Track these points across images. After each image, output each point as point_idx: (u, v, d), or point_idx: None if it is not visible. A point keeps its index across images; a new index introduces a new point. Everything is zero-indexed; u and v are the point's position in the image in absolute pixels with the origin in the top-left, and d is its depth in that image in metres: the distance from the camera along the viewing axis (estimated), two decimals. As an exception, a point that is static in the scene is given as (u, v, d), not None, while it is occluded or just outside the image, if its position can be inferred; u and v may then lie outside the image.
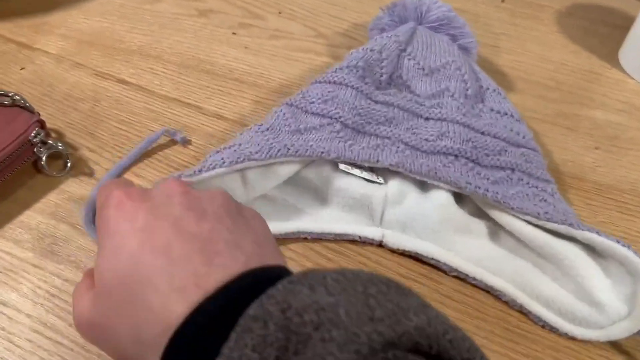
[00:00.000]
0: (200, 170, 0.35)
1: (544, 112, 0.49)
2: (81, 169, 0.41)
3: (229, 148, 0.36)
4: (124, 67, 0.50)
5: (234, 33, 0.55)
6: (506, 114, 0.43)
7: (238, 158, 0.35)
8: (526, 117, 0.48)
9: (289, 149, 0.36)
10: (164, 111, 0.46)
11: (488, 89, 0.45)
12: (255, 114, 0.47)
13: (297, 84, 0.50)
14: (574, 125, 0.48)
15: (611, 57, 0.56)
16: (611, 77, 0.54)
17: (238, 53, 0.53)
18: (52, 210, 0.39)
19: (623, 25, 0.59)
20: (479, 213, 0.39)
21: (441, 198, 0.38)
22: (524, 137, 0.42)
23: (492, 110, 0.43)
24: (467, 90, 0.43)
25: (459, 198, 0.39)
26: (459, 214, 0.38)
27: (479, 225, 0.39)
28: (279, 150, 0.36)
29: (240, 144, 0.37)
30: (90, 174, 0.41)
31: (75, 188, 0.40)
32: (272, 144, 0.37)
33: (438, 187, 0.38)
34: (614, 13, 0.62)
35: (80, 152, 0.43)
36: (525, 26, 0.59)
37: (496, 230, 0.38)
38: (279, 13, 0.58)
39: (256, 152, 0.35)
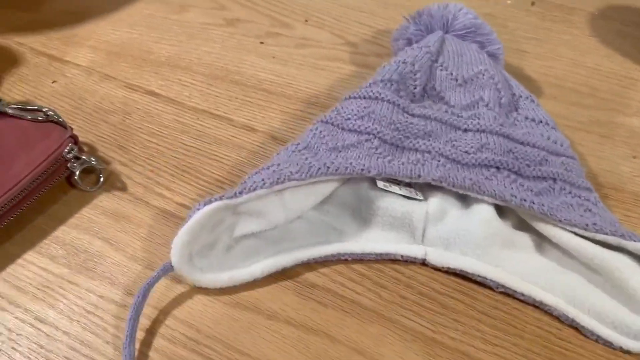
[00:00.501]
0: (241, 192, 0.34)
1: (578, 120, 0.48)
2: (113, 183, 0.42)
3: (268, 169, 0.36)
4: (153, 79, 0.50)
5: (261, 42, 0.55)
6: (541, 121, 0.43)
7: (278, 178, 0.35)
8: (560, 125, 0.47)
9: (328, 167, 0.36)
10: (193, 123, 0.46)
11: (521, 96, 0.44)
12: (284, 124, 0.46)
13: (324, 94, 0.49)
14: (610, 133, 0.47)
15: (647, 61, 0.55)
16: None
17: (266, 63, 0.52)
18: (86, 226, 0.39)
19: (658, 28, 0.58)
20: (522, 226, 0.38)
21: (483, 212, 0.37)
22: (561, 145, 0.41)
23: (526, 118, 0.43)
24: (501, 99, 0.42)
25: (501, 211, 0.38)
26: (503, 228, 0.38)
27: (524, 238, 0.38)
28: (319, 169, 0.36)
29: (279, 164, 0.36)
30: (123, 188, 0.41)
31: (109, 203, 0.40)
32: (311, 163, 0.36)
33: (479, 201, 0.37)
34: (649, 15, 0.61)
35: (112, 166, 0.43)
36: (556, 30, 0.58)
37: (541, 242, 0.37)
38: (306, 21, 0.58)
39: (296, 172, 0.35)
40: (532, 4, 0.61)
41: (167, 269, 0.34)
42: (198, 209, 0.33)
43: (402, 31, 0.48)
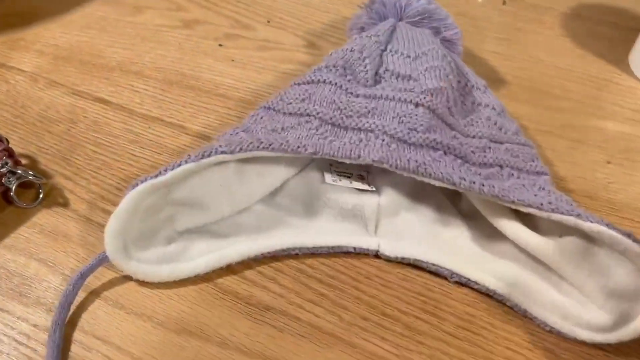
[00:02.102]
0: (165, 170, 0.32)
1: (550, 124, 0.46)
2: (55, 198, 0.39)
3: (202, 148, 0.34)
4: (103, 85, 0.47)
5: (220, 45, 0.52)
6: (487, 106, 0.41)
7: (204, 152, 0.32)
8: (532, 130, 0.45)
9: (262, 141, 0.33)
10: (144, 132, 0.43)
11: (467, 85, 0.42)
12: (242, 132, 0.44)
13: (287, 99, 0.47)
14: (584, 138, 0.45)
15: (621, 62, 0.53)
16: (621, 84, 0.50)
17: (224, 66, 0.50)
18: (22, 246, 0.36)
19: (633, 27, 0.56)
20: (476, 216, 0.37)
21: (436, 201, 0.36)
22: (505, 132, 0.39)
23: (473, 103, 0.41)
24: (449, 81, 0.40)
25: (453, 202, 0.38)
26: (456, 217, 0.37)
27: (475, 232, 0.37)
28: (250, 143, 0.33)
29: (213, 144, 0.34)
30: (65, 204, 0.38)
31: (48, 220, 0.37)
32: (243, 138, 0.34)
33: (432, 190, 0.36)
34: (623, 14, 0.59)
35: (54, 180, 0.40)
36: (528, 30, 0.56)
37: (496, 232, 0.36)
38: (268, 22, 0.55)
39: (225, 146, 0.33)
40: (504, 3, 0.59)
41: (103, 259, 0.33)
42: (126, 194, 0.32)
43: (355, 20, 0.46)
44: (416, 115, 0.36)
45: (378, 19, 0.45)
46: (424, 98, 0.37)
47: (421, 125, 0.36)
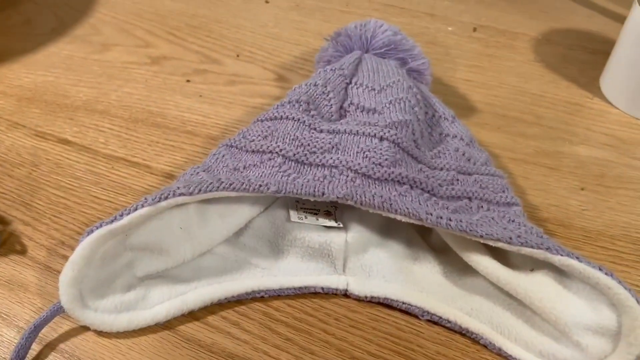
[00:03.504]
0: (121, 215, 0.31)
1: (523, 151, 0.45)
2: (12, 246, 0.37)
3: (160, 191, 0.33)
4: (67, 125, 0.46)
5: (187, 80, 0.51)
6: (456, 136, 0.41)
7: (162, 195, 0.31)
8: (504, 158, 0.45)
9: (222, 182, 0.32)
10: (108, 173, 0.42)
11: (434, 115, 0.42)
12: (209, 170, 0.43)
13: (255, 134, 0.46)
14: (557, 164, 0.44)
15: (592, 85, 0.53)
16: (593, 108, 0.50)
17: (192, 102, 0.49)
18: (-25, 298, 0.34)
19: (603, 50, 0.56)
20: (448, 250, 0.36)
21: (404, 236, 0.36)
22: (474, 164, 0.39)
23: (440, 134, 0.41)
24: (416, 114, 0.39)
25: (422, 237, 0.37)
26: (426, 252, 0.36)
27: (447, 267, 0.36)
28: (210, 184, 0.32)
29: (172, 185, 0.33)
30: (22, 251, 0.37)
31: (4, 269, 0.36)
32: (203, 179, 0.33)
33: (399, 225, 0.36)
34: (593, 37, 0.59)
35: (12, 226, 0.38)
36: (499, 56, 0.56)
37: (467, 267, 0.35)
38: (237, 56, 0.54)
39: (184, 187, 0.31)
40: (474, 30, 0.59)
41: (57, 310, 0.31)
42: (81, 241, 0.30)
43: (322, 53, 0.45)
44: (380, 149, 0.35)
45: (344, 51, 0.45)
46: (388, 132, 0.36)
47: (386, 159, 0.35)
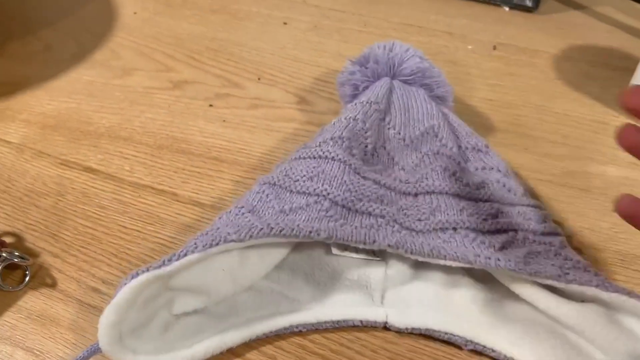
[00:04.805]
0: (170, 260, 0.30)
1: (551, 172, 0.45)
2: (42, 279, 0.37)
3: (205, 234, 0.32)
4: (91, 153, 0.46)
5: (210, 105, 0.51)
6: (492, 168, 0.40)
7: (213, 241, 0.31)
8: (532, 179, 0.44)
9: (272, 228, 0.32)
10: (134, 201, 0.42)
11: (467, 148, 0.42)
12: (235, 196, 0.42)
13: (279, 158, 0.45)
14: (586, 185, 0.44)
15: (616, 103, 0.52)
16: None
17: (215, 127, 0.49)
18: (8, 334, 0.34)
19: (625, 67, 0.56)
20: (488, 277, 0.35)
21: (445, 266, 0.34)
22: (515, 194, 0.39)
23: (476, 169, 0.41)
24: (449, 155, 0.40)
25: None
26: (466, 283, 0.35)
27: (488, 294, 0.35)
28: (261, 230, 0.31)
29: (218, 228, 0.33)
30: (53, 284, 0.37)
31: (35, 303, 0.36)
32: (253, 223, 0.32)
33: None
34: (614, 54, 0.59)
35: (41, 258, 0.38)
36: (521, 74, 0.56)
37: (512, 297, 0.34)
38: (258, 79, 0.54)
39: (234, 233, 0.31)
40: (494, 48, 0.59)
41: (95, 351, 0.31)
42: (125, 284, 0.29)
43: (348, 76, 0.45)
44: (416, 206, 0.37)
45: (372, 77, 0.45)
46: (419, 185, 0.38)
47: (423, 213, 0.36)
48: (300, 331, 0.34)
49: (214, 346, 0.32)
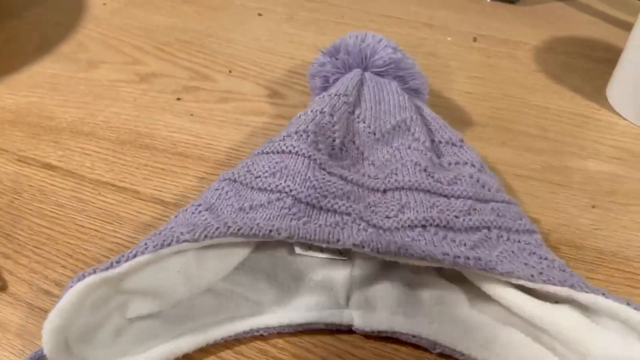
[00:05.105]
0: (118, 262, 0.28)
1: (530, 167, 0.43)
2: (-9, 281, 0.35)
3: (159, 233, 0.31)
4: (51, 149, 0.44)
5: (178, 98, 0.49)
6: (466, 163, 0.39)
7: (164, 241, 0.29)
8: (510, 174, 0.43)
9: (229, 227, 0.30)
10: (93, 200, 0.40)
11: (440, 142, 0.40)
12: (199, 193, 0.40)
13: (247, 153, 0.44)
14: (565, 181, 0.42)
15: (598, 95, 0.51)
16: (601, 119, 0.48)
17: (182, 122, 0.47)
18: (-49, 340, 0.32)
19: (607, 58, 0.54)
20: (459, 276, 0.34)
21: (414, 265, 0.33)
22: (489, 190, 0.37)
23: (450, 164, 0.39)
24: (421, 150, 0.38)
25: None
26: (435, 282, 0.34)
27: (459, 294, 0.34)
28: (217, 229, 0.30)
29: (172, 227, 0.31)
30: (2, 287, 0.35)
31: (-17, 307, 0.34)
32: (209, 222, 0.31)
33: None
34: (596, 45, 0.57)
35: (-8, 260, 0.36)
36: (501, 67, 0.54)
37: (484, 297, 0.32)
38: (230, 72, 0.52)
39: (188, 232, 0.29)
40: (475, 40, 0.58)
41: (38, 358, 0.28)
42: (71, 286, 0.27)
43: (318, 67, 0.43)
44: (385, 202, 0.35)
45: (343, 68, 0.43)
46: (389, 181, 0.36)
47: (392, 210, 0.34)
48: (262, 335, 0.32)
49: (168, 351, 0.31)
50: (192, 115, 0.47)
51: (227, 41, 0.56)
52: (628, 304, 0.28)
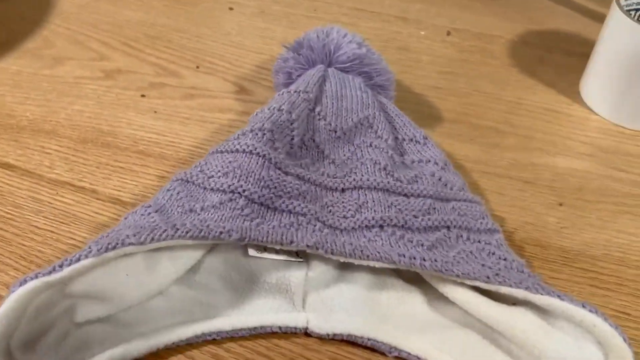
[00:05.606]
0: (61, 265, 0.27)
1: (497, 164, 0.43)
2: (-60, 285, 0.34)
3: (106, 236, 0.30)
4: (11, 148, 0.43)
5: (142, 95, 0.48)
6: (429, 161, 0.38)
7: (109, 244, 0.28)
8: (476, 172, 0.42)
9: (178, 229, 0.29)
10: (51, 200, 0.39)
11: (404, 139, 0.40)
12: (160, 193, 0.40)
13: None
14: (533, 178, 0.42)
15: (571, 91, 0.50)
16: (573, 115, 0.48)
17: (146, 119, 0.46)
18: None
19: (583, 52, 0.53)
20: (417, 278, 0.33)
21: (369, 268, 0.32)
22: (451, 189, 0.37)
23: (413, 162, 0.38)
24: (382, 148, 0.37)
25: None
26: (393, 283, 0.33)
27: (417, 295, 0.33)
28: (164, 232, 0.29)
29: (119, 230, 0.30)
30: (-49, 291, 0.34)
31: None
32: (157, 224, 0.30)
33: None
34: (573, 39, 0.57)
35: (-57, 263, 0.35)
36: (474, 61, 0.53)
37: (443, 299, 0.32)
38: (197, 67, 0.51)
39: (134, 235, 0.28)
40: (448, 33, 0.57)
41: None
42: (13, 291, 0.27)
43: (281, 64, 0.42)
44: (342, 202, 0.34)
45: (306, 64, 0.42)
46: (347, 180, 0.35)
47: (349, 210, 0.34)
48: (215, 339, 0.32)
49: (118, 356, 0.30)
50: (155, 112, 0.46)
51: (196, 36, 0.55)
52: (584, 306, 0.27)
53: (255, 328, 0.32)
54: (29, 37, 0.55)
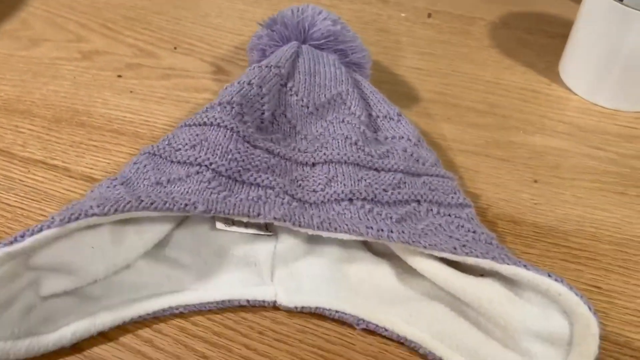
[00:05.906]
0: (22, 236, 0.27)
1: (474, 143, 0.43)
2: None
3: (71, 207, 0.29)
4: (-17, 128, 0.43)
5: (119, 76, 0.48)
6: (402, 137, 0.38)
7: (72, 215, 0.27)
8: (452, 150, 0.42)
9: (142, 200, 0.29)
10: (23, 178, 0.39)
11: (378, 116, 0.39)
12: (134, 171, 0.39)
13: (187, 131, 0.42)
14: (509, 156, 0.42)
15: (551, 71, 0.50)
16: (551, 95, 0.47)
17: (121, 99, 0.45)
18: None
19: (563, 34, 0.53)
20: (387, 252, 0.33)
21: (341, 240, 0.32)
22: (423, 164, 0.36)
23: (386, 138, 0.38)
24: (354, 124, 0.37)
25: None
26: (362, 257, 0.33)
27: (386, 268, 0.33)
28: (128, 203, 0.28)
29: (84, 201, 0.30)
30: None
31: None
32: (121, 196, 0.30)
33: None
34: (553, 20, 0.56)
35: None
36: (454, 42, 0.53)
37: (412, 272, 0.32)
38: (175, 48, 0.51)
39: (97, 206, 0.28)
40: (429, 16, 0.56)
41: None
42: None
43: (256, 41, 0.42)
44: (313, 176, 0.34)
45: (280, 40, 0.42)
46: (317, 155, 0.35)
47: (319, 184, 0.34)
48: (182, 313, 0.31)
49: (83, 329, 0.30)
50: (131, 92, 0.46)
51: (175, 18, 0.55)
52: (549, 276, 0.27)
53: (223, 301, 0.32)
54: (7, 19, 0.54)
